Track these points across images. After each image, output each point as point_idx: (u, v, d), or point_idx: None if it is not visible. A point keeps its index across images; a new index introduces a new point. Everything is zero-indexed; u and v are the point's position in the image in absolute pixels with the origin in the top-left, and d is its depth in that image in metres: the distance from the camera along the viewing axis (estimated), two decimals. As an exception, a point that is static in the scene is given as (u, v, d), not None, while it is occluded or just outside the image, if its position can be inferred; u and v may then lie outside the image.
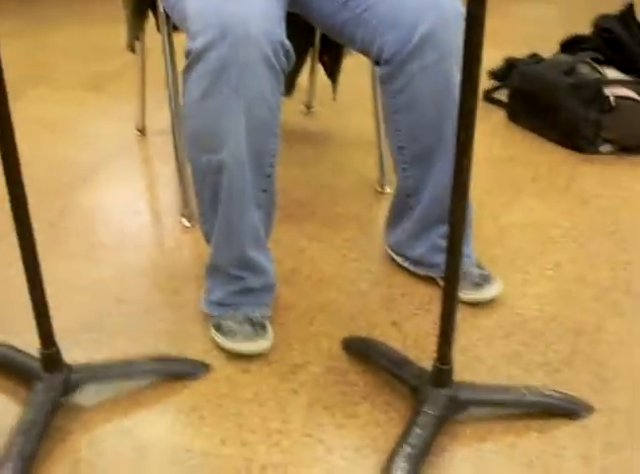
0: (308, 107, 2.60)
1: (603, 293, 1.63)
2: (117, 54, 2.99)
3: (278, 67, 1.31)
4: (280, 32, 1.31)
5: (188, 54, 1.30)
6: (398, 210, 1.66)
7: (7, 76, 1.02)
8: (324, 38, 2.18)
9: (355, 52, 1.63)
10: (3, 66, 1.00)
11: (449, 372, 1.22)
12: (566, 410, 1.30)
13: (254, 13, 1.27)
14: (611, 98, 2.23)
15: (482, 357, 1.44)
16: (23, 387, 1.33)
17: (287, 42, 1.32)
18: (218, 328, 1.45)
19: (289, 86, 2.28)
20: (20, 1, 3.61)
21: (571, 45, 2.58)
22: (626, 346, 1.47)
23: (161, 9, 1.79)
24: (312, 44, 2.27)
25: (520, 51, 2.85)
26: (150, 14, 1.98)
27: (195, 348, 1.46)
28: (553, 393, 1.31)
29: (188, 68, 1.31)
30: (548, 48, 2.71)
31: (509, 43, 3.26)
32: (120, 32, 2.07)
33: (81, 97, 2.70)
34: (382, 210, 1.95)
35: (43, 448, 1.21)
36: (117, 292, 1.62)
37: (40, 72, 2.89)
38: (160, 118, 2.44)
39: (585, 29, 2.62)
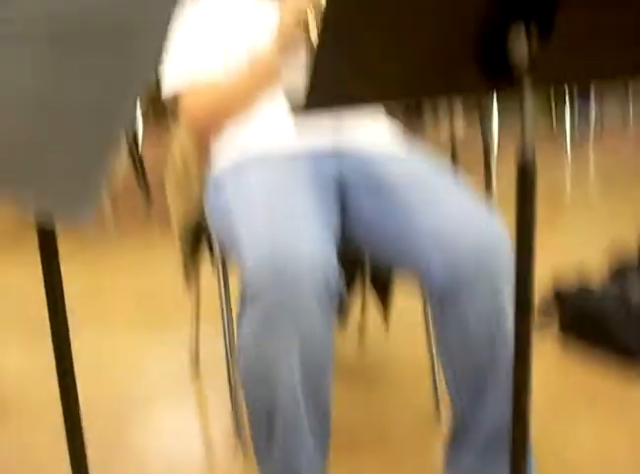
0: (360, 337, 2.60)
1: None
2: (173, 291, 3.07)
3: (330, 307, 1.33)
4: (334, 271, 1.33)
5: (241, 299, 1.32)
6: (456, 445, 1.61)
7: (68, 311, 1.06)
8: (372, 268, 2.22)
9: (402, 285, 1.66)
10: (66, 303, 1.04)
11: None
12: None
13: (308, 254, 1.29)
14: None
15: None
16: None
17: (340, 281, 1.33)
18: None
19: (341, 320, 2.29)
20: (79, 242, 3.77)
21: (619, 273, 2.59)
22: None
23: (217, 253, 1.84)
24: (362, 275, 2.31)
25: (565, 263, 2.84)
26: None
27: None
28: None
29: (241, 312, 1.33)
30: (594, 258, 2.73)
31: (553, 255, 3.25)
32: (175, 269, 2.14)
33: (136, 332, 2.75)
34: (439, 446, 1.89)
35: None
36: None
37: (96, 312, 2.96)
38: (214, 349, 2.47)
39: (630, 234, 2.63)
